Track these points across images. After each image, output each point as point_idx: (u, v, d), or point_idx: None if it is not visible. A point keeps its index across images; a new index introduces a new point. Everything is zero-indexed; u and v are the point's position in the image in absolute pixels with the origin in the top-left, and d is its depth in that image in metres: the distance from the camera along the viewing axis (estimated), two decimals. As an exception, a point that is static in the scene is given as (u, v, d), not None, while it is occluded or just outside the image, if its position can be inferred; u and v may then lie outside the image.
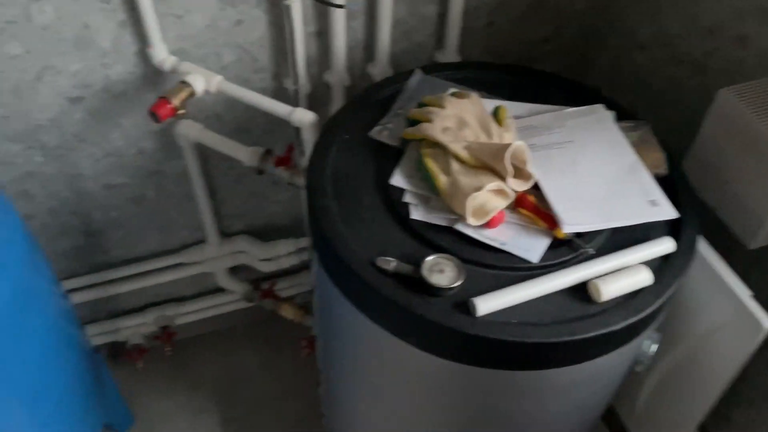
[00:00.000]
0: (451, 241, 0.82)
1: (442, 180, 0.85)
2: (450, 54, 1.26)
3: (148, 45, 1.06)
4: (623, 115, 0.98)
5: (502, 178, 0.84)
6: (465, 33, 1.24)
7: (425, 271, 0.77)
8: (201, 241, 1.44)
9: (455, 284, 0.76)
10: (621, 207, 0.84)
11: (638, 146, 0.92)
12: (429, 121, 0.90)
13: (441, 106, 0.92)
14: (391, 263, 0.78)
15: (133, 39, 1.07)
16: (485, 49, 1.31)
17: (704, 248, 0.94)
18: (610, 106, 0.99)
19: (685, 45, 1.10)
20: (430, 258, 0.78)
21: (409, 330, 0.79)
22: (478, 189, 0.81)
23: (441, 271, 0.77)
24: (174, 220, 1.39)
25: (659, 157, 0.91)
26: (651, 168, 0.90)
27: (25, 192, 1.21)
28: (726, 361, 0.97)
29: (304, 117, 1.04)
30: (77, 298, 1.40)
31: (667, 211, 0.84)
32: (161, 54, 1.07)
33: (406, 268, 0.78)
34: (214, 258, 1.46)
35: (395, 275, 0.78)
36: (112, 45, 1.06)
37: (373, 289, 0.77)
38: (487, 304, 0.74)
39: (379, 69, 1.23)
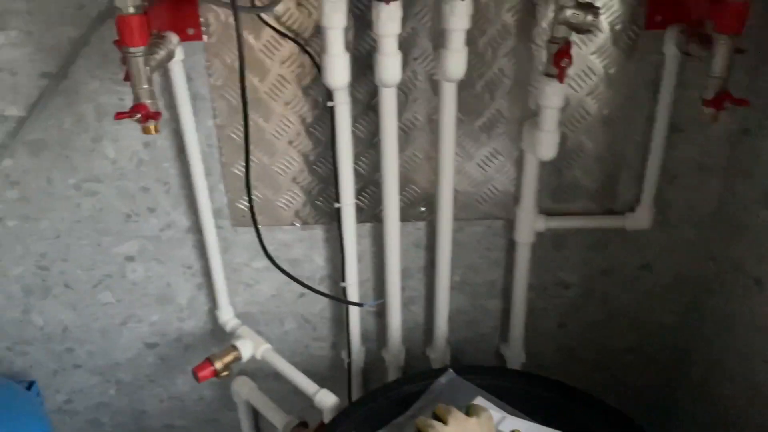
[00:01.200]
0: None
1: None
2: (515, 349, 1.20)
3: (216, 307, 1.17)
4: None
5: None
6: (533, 330, 1.19)
7: None
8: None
9: None
10: None
11: None
12: (427, 435, 0.84)
13: (445, 420, 0.86)
14: None
15: (207, 299, 1.19)
16: (557, 349, 1.23)
17: None
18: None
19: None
20: None
21: None
22: None
23: None
24: (226, 469, 1.39)
25: None
26: None
27: (95, 419, 1.31)
28: None
29: (326, 400, 1.03)
30: None
31: None
32: (226, 316, 1.17)
33: None
34: None
35: None
36: (187, 303, 1.19)
37: None
38: None
39: (437, 354, 1.21)
